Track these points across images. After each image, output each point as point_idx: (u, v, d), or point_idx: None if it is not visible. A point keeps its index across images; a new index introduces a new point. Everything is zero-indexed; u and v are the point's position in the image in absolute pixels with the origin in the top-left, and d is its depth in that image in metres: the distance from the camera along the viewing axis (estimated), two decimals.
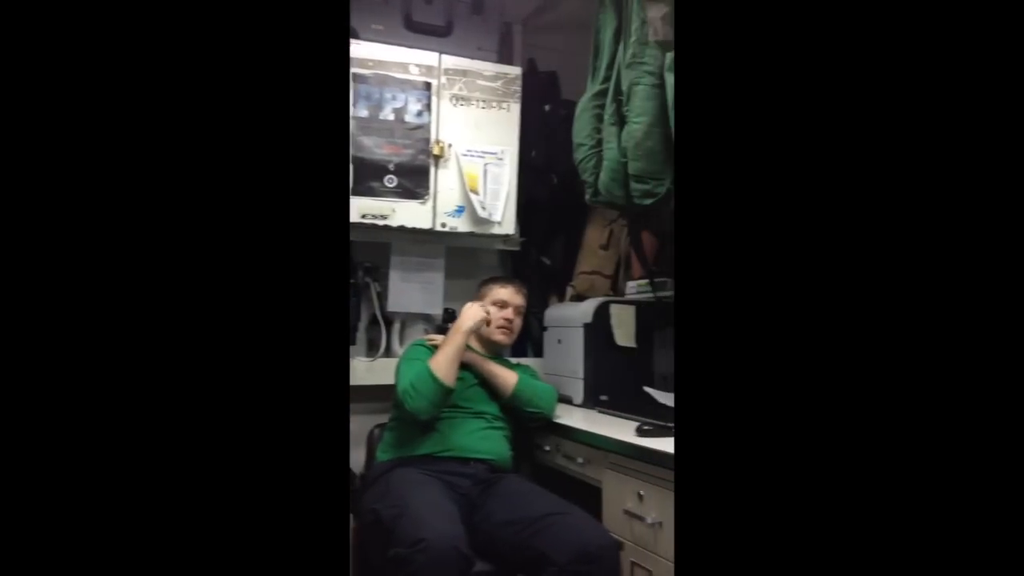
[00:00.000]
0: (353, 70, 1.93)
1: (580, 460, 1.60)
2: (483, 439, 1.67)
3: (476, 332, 1.82)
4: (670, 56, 1.56)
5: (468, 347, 1.81)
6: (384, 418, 1.82)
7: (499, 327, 1.80)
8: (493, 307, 1.81)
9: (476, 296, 1.88)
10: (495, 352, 1.85)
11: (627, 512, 1.39)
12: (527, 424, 1.78)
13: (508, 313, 1.81)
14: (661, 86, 1.60)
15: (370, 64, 1.96)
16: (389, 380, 1.73)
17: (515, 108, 2.11)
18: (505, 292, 1.83)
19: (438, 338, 1.81)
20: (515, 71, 2.14)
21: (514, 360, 1.99)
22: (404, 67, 1.99)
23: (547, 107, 2.35)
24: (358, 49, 1.95)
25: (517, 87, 2.11)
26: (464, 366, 1.75)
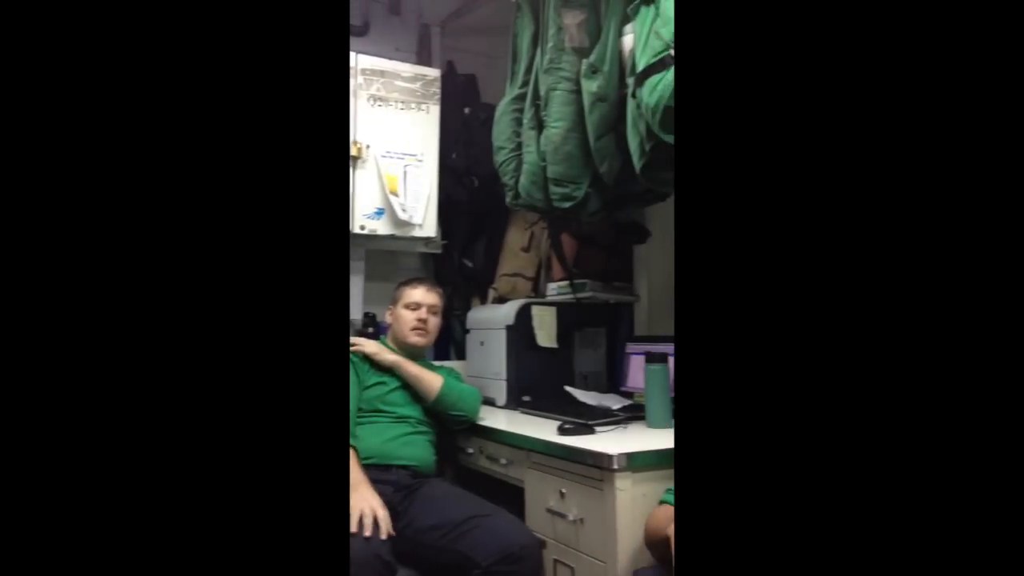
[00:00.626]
0: None
1: (503, 461, 1.62)
2: (405, 445, 1.66)
3: (394, 335, 1.81)
4: (586, 62, 1.60)
5: (391, 349, 1.79)
6: None
7: (413, 329, 1.78)
8: (406, 310, 1.80)
9: (392, 300, 1.87)
10: (416, 355, 1.84)
11: (549, 510, 1.41)
12: (451, 427, 1.77)
13: (421, 314, 1.79)
14: (578, 92, 1.64)
15: None
16: None
17: (435, 110, 2.10)
18: (417, 293, 1.81)
19: (358, 342, 1.78)
20: (434, 73, 2.13)
21: (437, 363, 1.98)
22: None
23: (467, 110, 2.35)
24: None
25: (436, 89, 2.10)
26: (387, 369, 1.73)
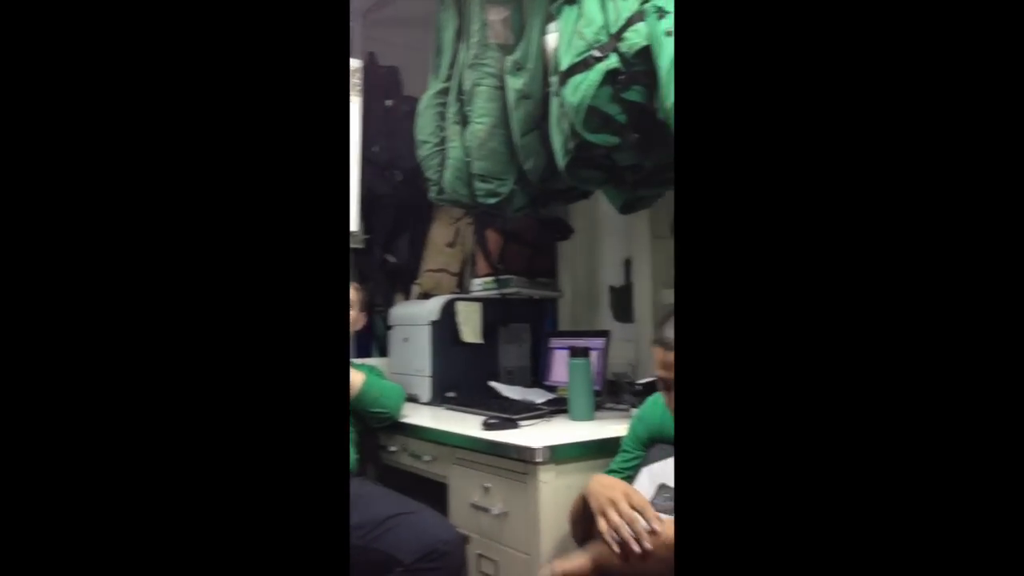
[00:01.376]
0: None
1: (427, 458, 1.61)
2: None
3: None
4: (510, 59, 1.60)
5: None
6: None
7: None
8: None
9: None
10: None
11: (473, 505, 1.41)
12: (372, 424, 1.74)
13: None
14: (502, 88, 1.64)
15: None
16: None
17: (356, 102, 2.05)
18: None
19: None
20: (356, 64, 2.08)
21: (359, 360, 1.94)
22: None
23: (389, 102, 2.31)
24: None
25: (358, 80, 2.05)
26: None
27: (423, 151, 1.86)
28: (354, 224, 2.06)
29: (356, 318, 1.79)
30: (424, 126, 1.86)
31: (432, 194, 1.88)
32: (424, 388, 1.96)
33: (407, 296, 2.37)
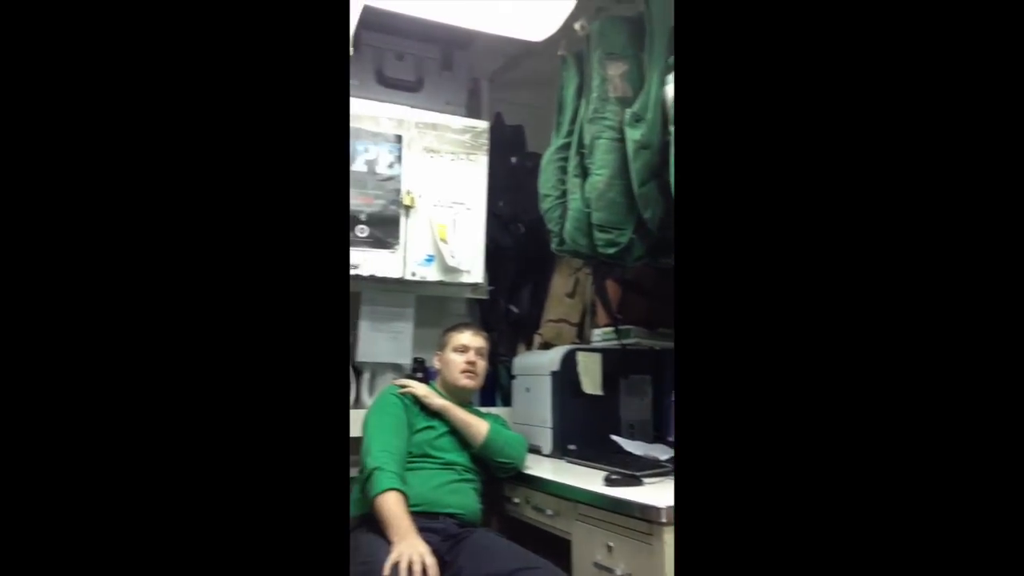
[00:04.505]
0: None
1: (549, 512, 1.59)
2: (453, 492, 1.65)
3: (443, 379, 1.82)
4: (630, 111, 1.63)
5: (440, 394, 1.80)
6: (353, 471, 1.79)
7: (462, 372, 1.80)
8: (454, 353, 1.82)
9: (439, 346, 1.89)
10: (464, 400, 1.85)
11: (597, 564, 1.37)
12: (497, 475, 1.76)
13: (470, 356, 1.81)
14: (621, 140, 1.66)
15: None
16: (358, 432, 1.71)
17: (483, 160, 2.15)
18: (465, 336, 1.83)
19: (409, 383, 1.80)
20: (483, 125, 2.19)
21: (483, 409, 1.98)
22: (376, 120, 2.04)
23: (514, 159, 2.41)
24: None
25: (485, 140, 2.17)
26: (435, 414, 1.74)
27: (545, 204, 1.92)
28: (479, 275, 2.14)
29: (482, 367, 1.84)
30: (546, 180, 1.92)
31: (553, 245, 1.92)
32: (546, 439, 1.96)
33: (529, 346, 2.40)
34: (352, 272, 1.96)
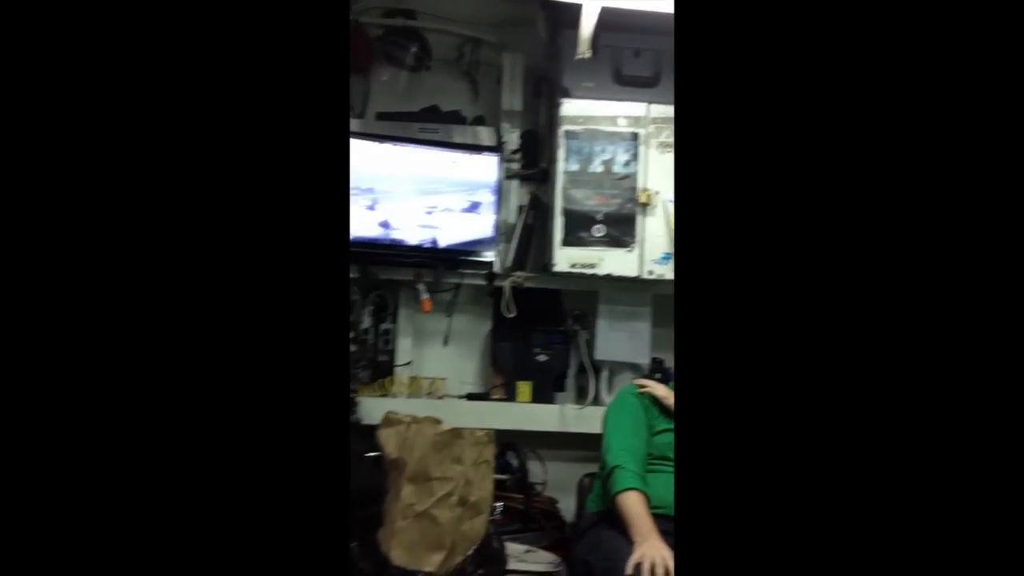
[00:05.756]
0: (564, 127, 2.03)
1: None
2: None
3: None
4: None
5: None
6: (593, 467, 1.82)
7: None
8: None
9: None
10: None
11: None
12: None
13: None
14: None
15: (580, 120, 2.04)
16: (598, 428, 1.74)
17: None
18: None
19: (648, 383, 1.78)
20: None
21: None
22: (613, 120, 2.05)
23: None
24: (569, 107, 2.05)
25: None
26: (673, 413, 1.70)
27: None
28: None
29: None
30: None
31: None
32: None
33: None
34: (589, 271, 2.00)
